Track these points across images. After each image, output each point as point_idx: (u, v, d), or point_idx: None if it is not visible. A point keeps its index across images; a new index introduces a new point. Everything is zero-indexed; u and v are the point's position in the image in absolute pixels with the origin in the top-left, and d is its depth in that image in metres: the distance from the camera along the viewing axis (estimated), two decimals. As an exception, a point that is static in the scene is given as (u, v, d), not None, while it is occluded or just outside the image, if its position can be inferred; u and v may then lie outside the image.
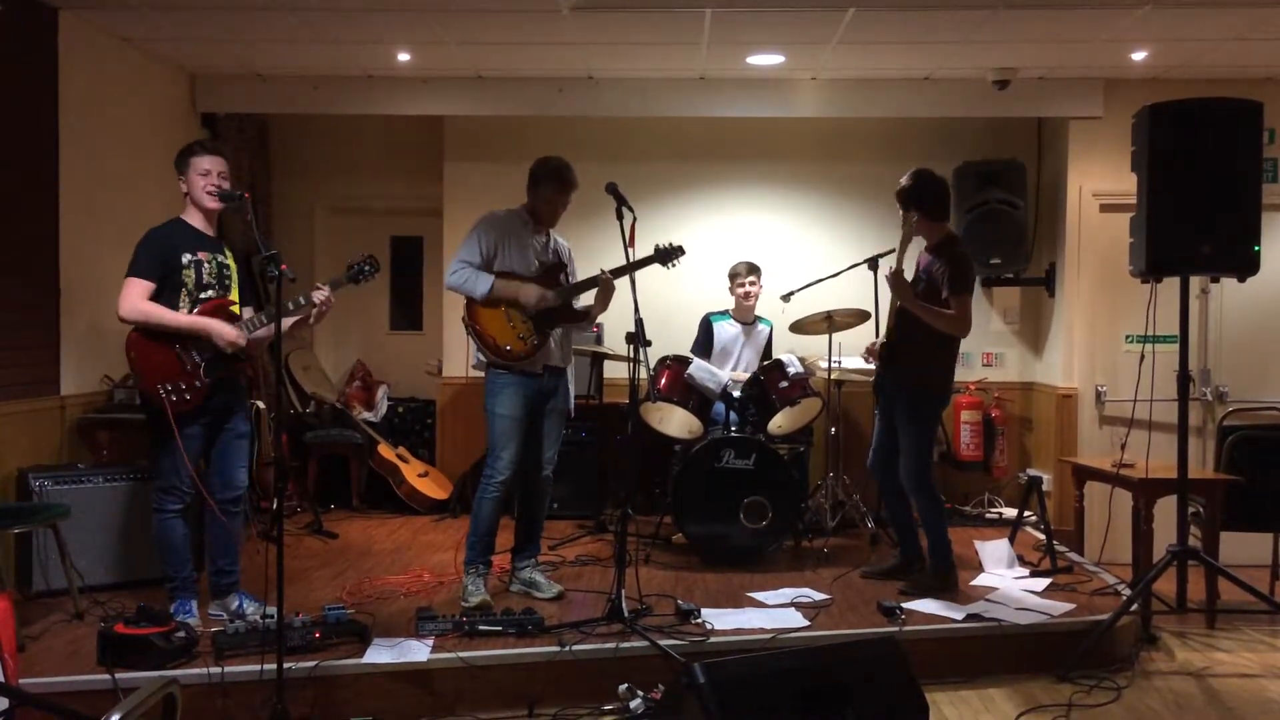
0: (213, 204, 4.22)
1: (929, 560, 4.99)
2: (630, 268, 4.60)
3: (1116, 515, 5.72)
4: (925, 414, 4.99)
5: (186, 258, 4.17)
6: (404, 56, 6.11)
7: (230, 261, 4.32)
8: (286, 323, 4.09)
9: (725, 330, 6.27)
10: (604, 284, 4.65)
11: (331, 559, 5.58)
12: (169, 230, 4.23)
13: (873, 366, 5.22)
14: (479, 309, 4.67)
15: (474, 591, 4.60)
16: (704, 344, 6.25)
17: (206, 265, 4.22)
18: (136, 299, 4.09)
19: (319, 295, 4.21)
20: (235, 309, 4.27)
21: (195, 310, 4.16)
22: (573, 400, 4.93)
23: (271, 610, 3.72)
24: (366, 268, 4.36)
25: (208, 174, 4.20)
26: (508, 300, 4.63)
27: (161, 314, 4.10)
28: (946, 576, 4.94)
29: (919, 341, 4.87)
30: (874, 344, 5.15)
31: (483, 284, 4.61)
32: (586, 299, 4.79)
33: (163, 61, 6.26)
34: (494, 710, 3.91)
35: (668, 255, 4.73)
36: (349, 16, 5.37)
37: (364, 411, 7.09)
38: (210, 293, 4.21)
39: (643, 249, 4.83)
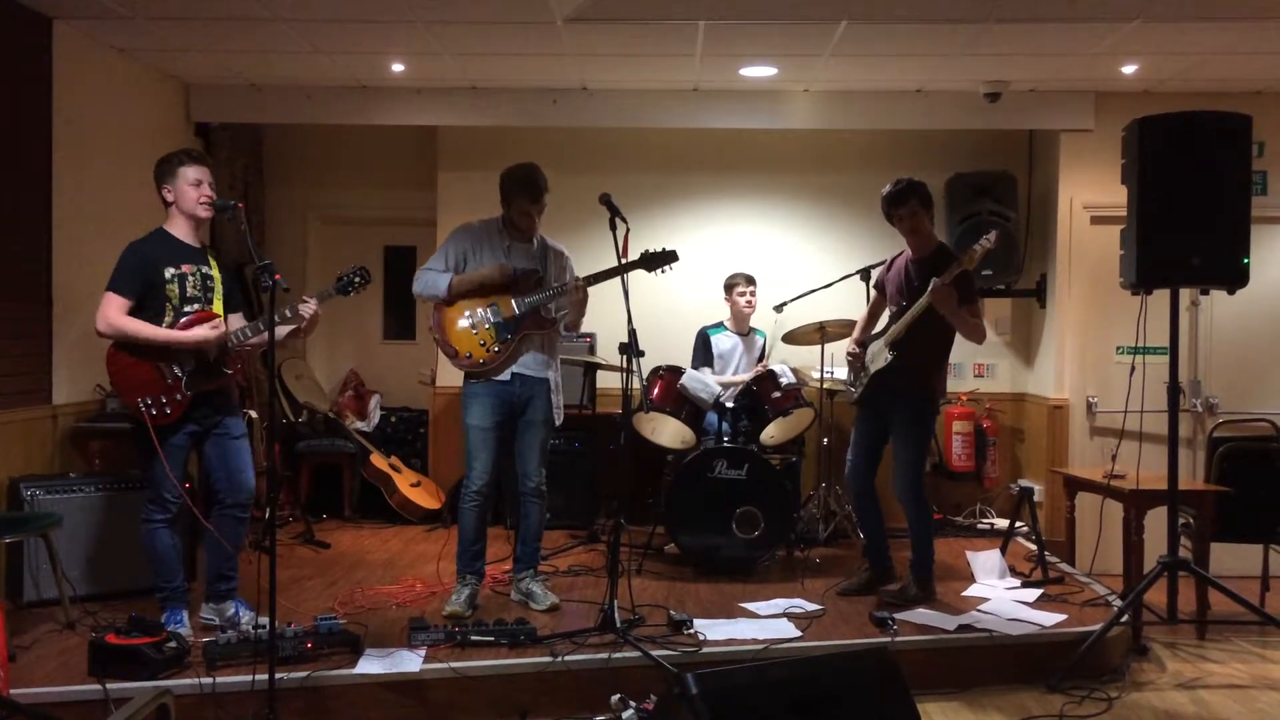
0: (207, 214, 4.22)
1: (913, 571, 5.00)
2: (611, 273, 4.58)
3: (1108, 526, 5.73)
4: (928, 423, 5.04)
5: (169, 272, 4.15)
6: (398, 67, 6.13)
7: (214, 271, 4.30)
8: (277, 333, 4.09)
9: (723, 342, 6.28)
10: (574, 290, 4.62)
11: (323, 569, 5.57)
12: (151, 243, 4.20)
13: (844, 375, 5.22)
14: (444, 318, 4.68)
15: (452, 601, 4.66)
16: (703, 358, 6.25)
17: (190, 278, 4.20)
18: (113, 315, 4.06)
19: (306, 309, 4.18)
20: (219, 320, 4.26)
21: (178, 324, 4.15)
22: (557, 410, 4.83)
23: (263, 620, 3.73)
24: (356, 279, 4.28)
25: (199, 184, 4.20)
26: (471, 289, 4.63)
27: (138, 328, 4.07)
28: (928, 585, 4.98)
29: (927, 351, 4.90)
30: (852, 350, 5.16)
31: (443, 283, 4.65)
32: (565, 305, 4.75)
33: (157, 72, 6.26)
34: (486, 721, 3.92)
35: (655, 260, 4.63)
36: (343, 27, 5.39)
37: (357, 421, 7.09)
38: (195, 306, 4.20)
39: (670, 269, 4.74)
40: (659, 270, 4.66)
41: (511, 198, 4.68)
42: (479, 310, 4.67)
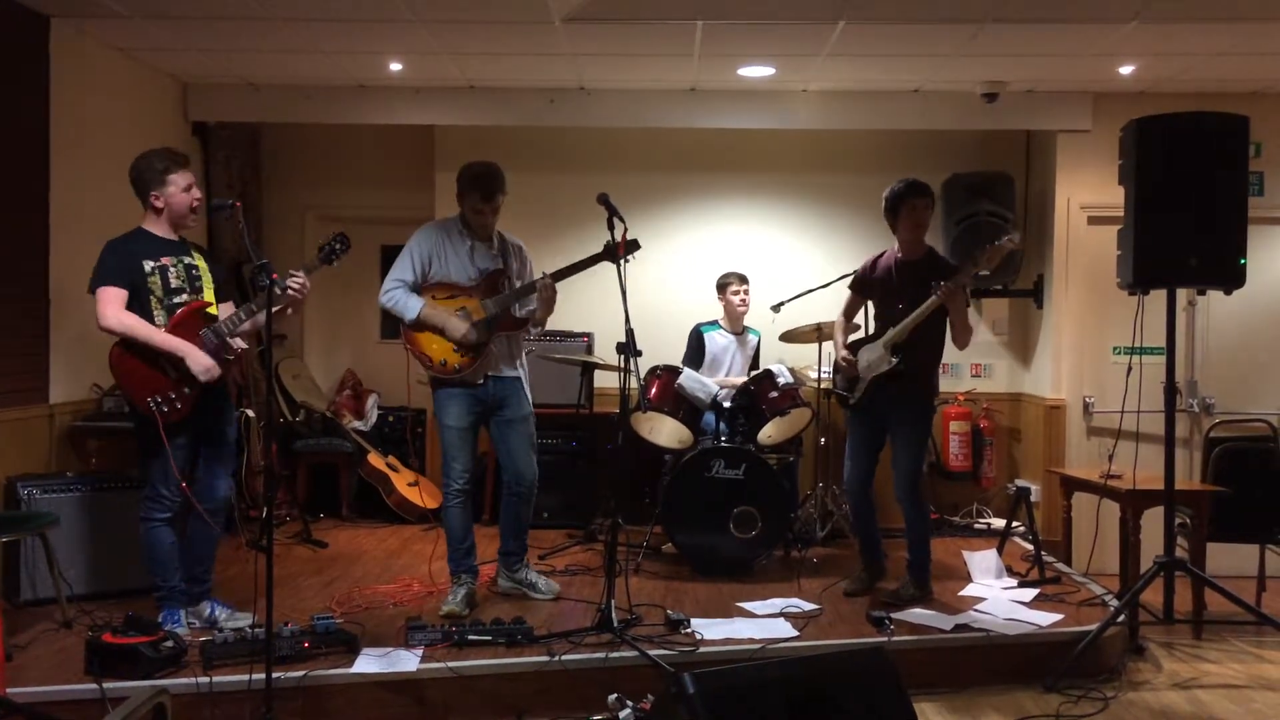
0: (191, 222, 4.24)
1: (910, 571, 5.02)
2: (575, 268, 4.56)
3: (1104, 526, 5.75)
4: (929, 423, 5.08)
5: (149, 265, 4.16)
6: (395, 66, 6.13)
7: (199, 261, 4.30)
8: (257, 322, 4.10)
9: (716, 340, 6.28)
10: (544, 289, 4.61)
11: (321, 568, 5.57)
12: (129, 240, 4.21)
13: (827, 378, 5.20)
14: (413, 329, 4.68)
15: (448, 601, 4.65)
16: (695, 356, 6.25)
17: (173, 269, 4.20)
18: (115, 309, 4.07)
19: (295, 282, 4.13)
20: (212, 309, 4.25)
21: (171, 318, 4.15)
22: (529, 406, 4.83)
23: (249, 616, 3.72)
24: (338, 246, 4.22)
25: (189, 190, 4.22)
26: (435, 327, 4.62)
27: (146, 331, 4.09)
28: (925, 586, 5.00)
29: (928, 351, 4.92)
30: (847, 357, 5.08)
31: (411, 309, 4.62)
32: (531, 304, 4.72)
33: (154, 70, 6.26)
34: (483, 720, 3.92)
35: (618, 251, 4.53)
36: (341, 26, 5.38)
37: (354, 420, 7.08)
38: (183, 296, 4.20)
39: (632, 259, 4.66)
40: (625, 259, 4.52)
41: (465, 195, 4.68)
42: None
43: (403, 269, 4.70)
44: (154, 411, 4.06)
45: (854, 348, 5.11)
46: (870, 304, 5.20)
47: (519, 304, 4.71)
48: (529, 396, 4.84)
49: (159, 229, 4.25)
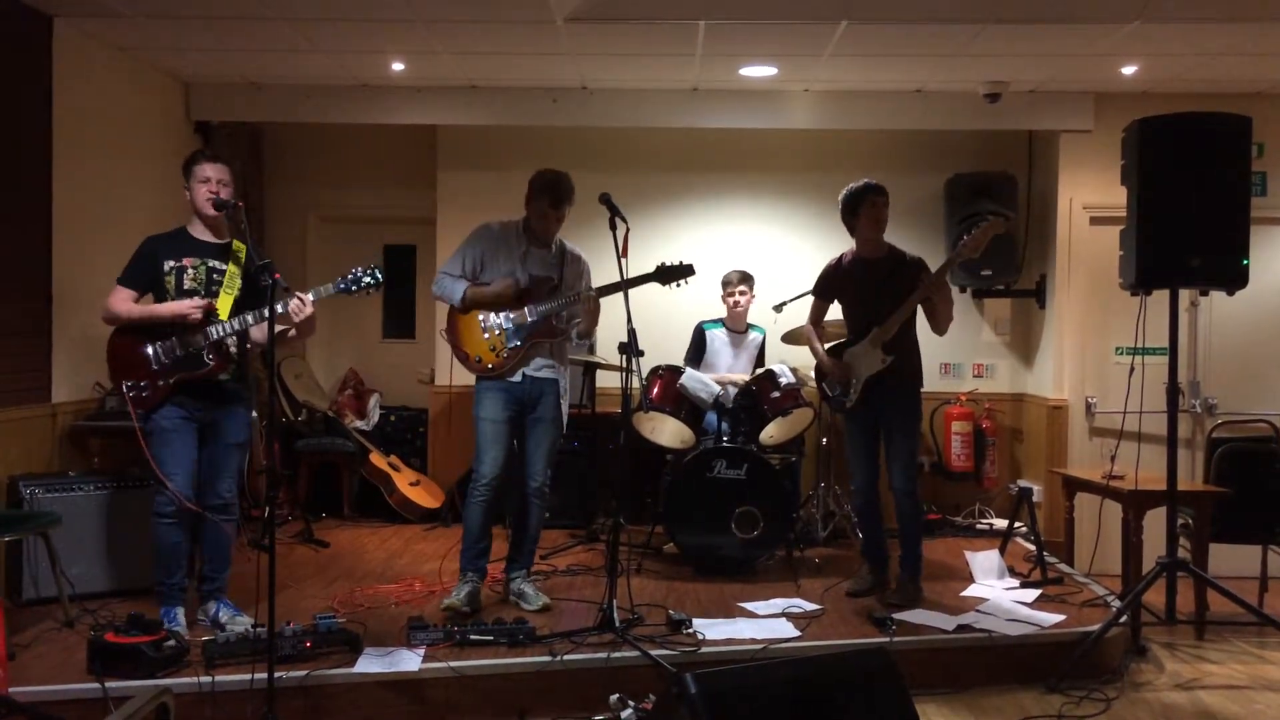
0: (210, 211, 4.24)
1: (907, 569, 5.02)
2: (624, 285, 4.54)
3: (1106, 526, 5.75)
4: (920, 410, 5.10)
5: (168, 265, 4.23)
6: (398, 66, 6.13)
7: (229, 266, 4.31)
8: (261, 332, 4.14)
9: (718, 338, 6.28)
10: (586, 301, 4.68)
11: (323, 568, 5.58)
12: (162, 238, 4.33)
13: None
14: (457, 322, 4.73)
15: (452, 596, 4.66)
16: (697, 352, 6.25)
17: (190, 271, 4.25)
18: (114, 304, 4.23)
19: (292, 303, 4.13)
20: (223, 315, 4.24)
21: None
22: (565, 410, 4.86)
23: (250, 619, 3.71)
24: (366, 279, 4.19)
25: (207, 181, 4.26)
26: (484, 303, 4.67)
27: (125, 309, 4.22)
28: (919, 580, 5.03)
29: (910, 339, 4.97)
30: (841, 363, 5.05)
31: (458, 291, 4.70)
32: (577, 315, 4.79)
33: (157, 70, 6.26)
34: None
35: (670, 275, 4.63)
36: (343, 26, 5.38)
37: (356, 420, 7.09)
38: (195, 299, 4.22)
39: (634, 259, 4.66)
40: (678, 284, 4.67)
41: (533, 200, 4.71)
42: (491, 316, 4.70)
43: (453, 264, 4.78)
44: (126, 395, 4.18)
45: (835, 353, 5.13)
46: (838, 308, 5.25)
47: (565, 314, 4.74)
48: (562, 404, 4.83)
49: (196, 229, 4.34)
